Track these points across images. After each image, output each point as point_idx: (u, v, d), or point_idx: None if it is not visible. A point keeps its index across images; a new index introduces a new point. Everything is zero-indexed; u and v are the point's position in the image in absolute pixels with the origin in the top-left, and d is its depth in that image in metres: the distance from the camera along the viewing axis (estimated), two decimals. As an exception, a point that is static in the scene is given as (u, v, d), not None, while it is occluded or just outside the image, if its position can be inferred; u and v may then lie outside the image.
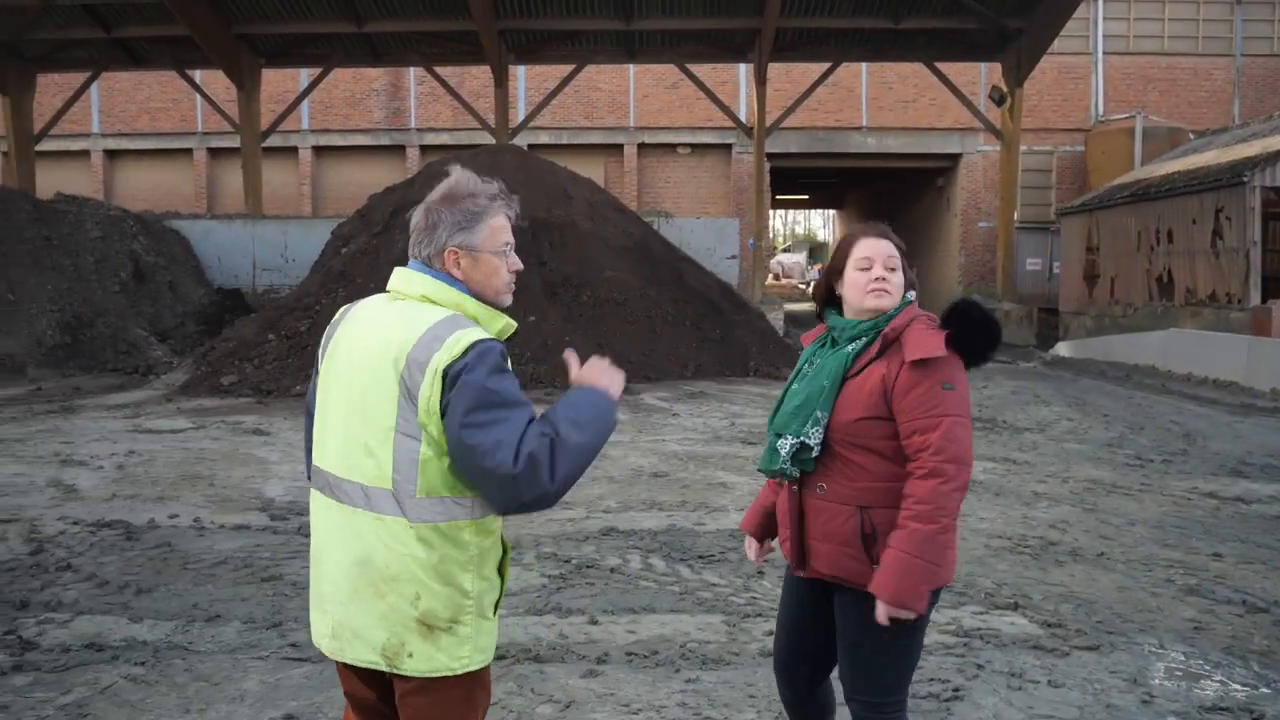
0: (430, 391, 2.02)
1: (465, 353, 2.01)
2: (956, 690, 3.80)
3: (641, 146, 28.81)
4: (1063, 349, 20.15)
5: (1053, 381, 15.21)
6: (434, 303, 2.14)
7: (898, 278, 2.60)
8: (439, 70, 24.04)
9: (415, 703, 2.13)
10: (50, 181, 25.08)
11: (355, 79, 27.94)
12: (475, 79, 26.38)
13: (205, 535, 6.18)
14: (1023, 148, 25.26)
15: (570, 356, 2.30)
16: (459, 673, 2.11)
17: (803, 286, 54.46)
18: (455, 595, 2.09)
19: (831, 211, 54.35)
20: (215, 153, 28.58)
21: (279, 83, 26.89)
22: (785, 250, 66.25)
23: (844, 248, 2.67)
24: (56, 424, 10.67)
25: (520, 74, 27.80)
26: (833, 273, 2.70)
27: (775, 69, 26.48)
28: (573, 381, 2.24)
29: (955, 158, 28.19)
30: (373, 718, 2.25)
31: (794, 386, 2.67)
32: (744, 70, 26.95)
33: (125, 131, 28.64)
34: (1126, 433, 10.11)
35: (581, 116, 28.61)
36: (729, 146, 28.42)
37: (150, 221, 20.71)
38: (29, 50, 22.33)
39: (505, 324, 2.20)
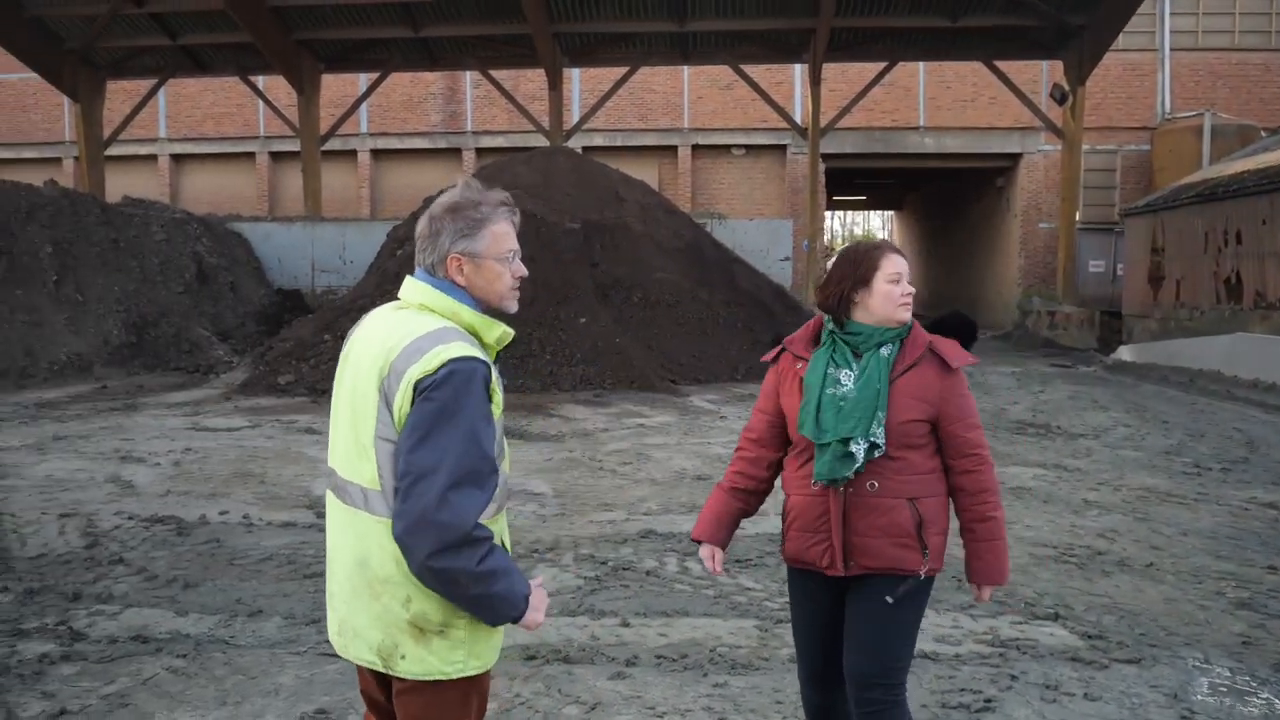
0: (402, 401, 2.04)
1: (438, 369, 2.02)
2: (988, 701, 3.74)
3: (696, 148, 28.77)
4: (1125, 353, 19.67)
5: (1112, 386, 14.86)
6: (431, 311, 2.16)
7: (912, 290, 2.81)
8: (494, 73, 24.27)
9: (409, 702, 2.15)
10: (119, 185, 25.82)
11: (413, 83, 28.32)
12: (531, 82, 26.57)
13: (253, 532, 6.31)
14: (1085, 147, 24.74)
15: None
16: (453, 677, 2.11)
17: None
18: (446, 600, 2.07)
19: (890, 213, 53.70)
20: (277, 156, 29.16)
21: (339, 87, 27.37)
22: (843, 252, 65.70)
23: (869, 261, 2.76)
24: (119, 421, 10.98)
25: (575, 77, 27.95)
26: (859, 283, 2.75)
27: (831, 69, 26.27)
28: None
29: (1015, 157, 27.69)
30: (384, 715, 2.28)
31: (829, 392, 2.70)
32: (799, 70, 26.77)
33: (191, 136, 29.37)
34: (1186, 440, 9.84)
35: (636, 118, 28.66)
36: (784, 147, 28.25)
37: (213, 224, 21.22)
38: (99, 58, 23.02)
39: (503, 332, 2.22)
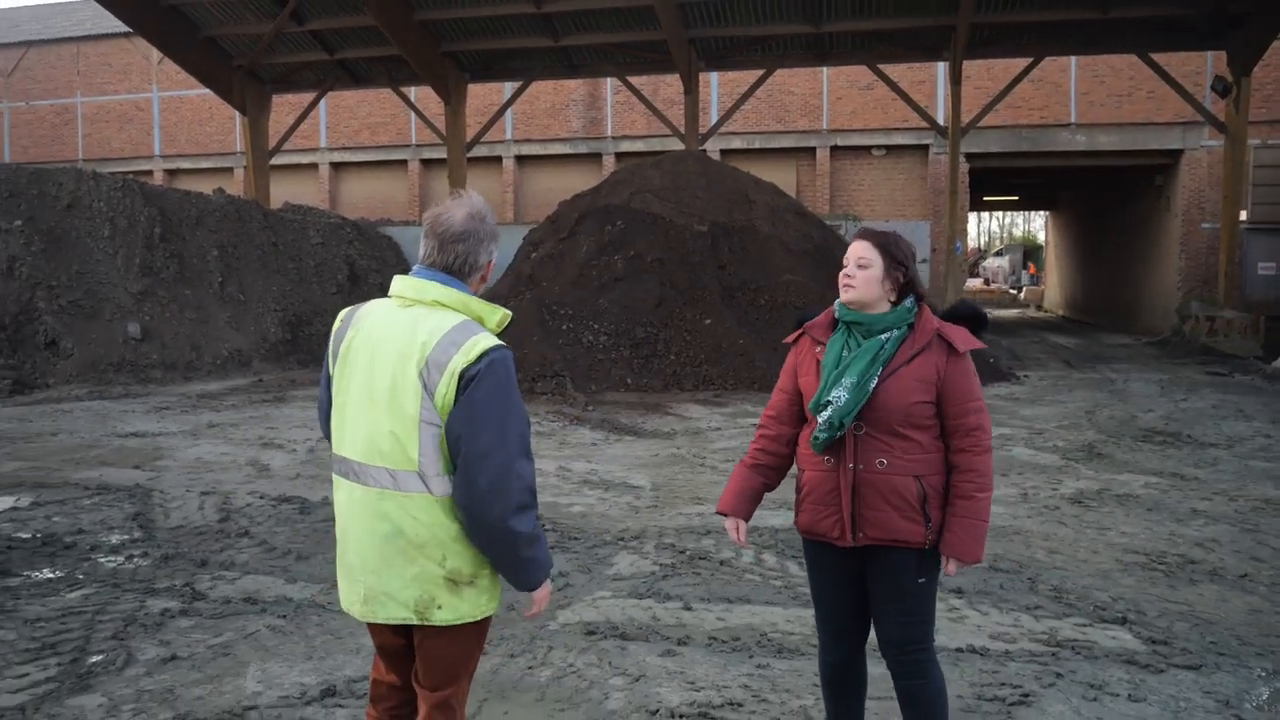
0: (446, 390, 2.34)
1: (479, 359, 2.33)
2: (1025, 695, 3.77)
3: (834, 149, 28.51)
4: (1288, 361, 18.41)
5: (1265, 396, 14.00)
6: (445, 306, 2.45)
7: (866, 274, 2.88)
8: (633, 79, 24.74)
9: (435, 646, 2.48)
10: (283, 192, 27.64)
11: (556, 90, 29.15)
12: (670, 86, 26.94)
13: (366, 512, 6.81)
14: (1254, 141, 23.30)
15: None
16: (477, 619, 2.47)
17: (1013, 292, 52.10)
18: (477, 554, 2.43)
19: (1046, 213, 51.61)
20: (427, 163, 30.55)
21: (487, 96, 28.46)
22: (997, 254, 63.55)
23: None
24: (268, 411, 11.88)
25: (713, 80, 28.17)
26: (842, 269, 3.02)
27: (976, 66, 25.60)
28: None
29: (1176, 154, 26.25)
30: (399, 660, 2.59)
31: (836, 371, 2.89)
32: (942, 68, 26.17)
33: (349, 145, 31.12)
34: (1330, 452, 9.27)
35: (774, 120, 28.64)
36: (925, 148, 27.68)
37: (365, 228, 22.48)
38: (265, 74, 24.71)
39: (504, 314, 2.52)
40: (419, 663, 2.52)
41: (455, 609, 2.43)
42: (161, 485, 7.64)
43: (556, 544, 5.98)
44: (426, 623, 2.44)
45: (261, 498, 7.23)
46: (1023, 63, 22.89)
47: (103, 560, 5.64)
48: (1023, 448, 9.40)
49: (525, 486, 2.35)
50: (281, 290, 18.26)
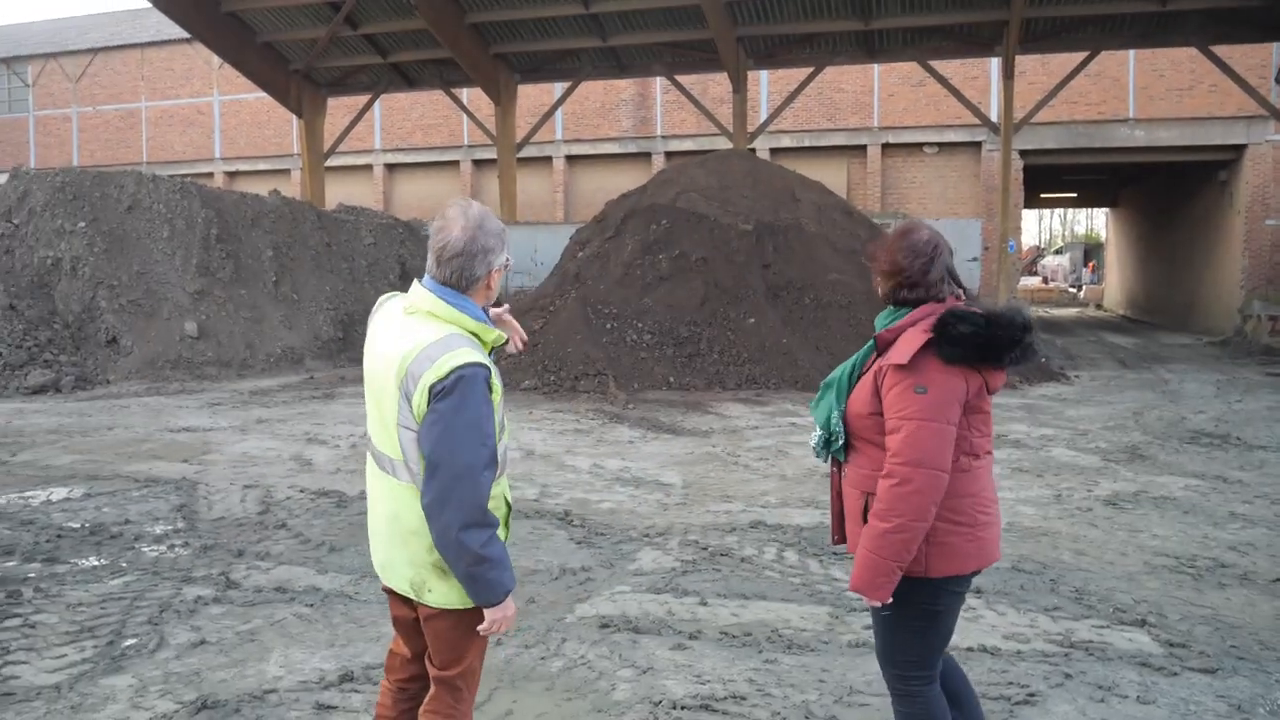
0: (419, 400, 2.46)
1: (448, 375, 2.42)
2: (1031, 695, 3.77)
3: (886, 147, 28.27)
4: (1355, 362, 17.87)
5: (1326, 397, 13.62)
6: (436, 318, 2.55)
7: (876, 276, 2.83)
8: (681, 78, 24.78)
9: (435, 625, 2.60)
10: (338, 193, 28.16)
11: (606, 90, 29.30)
12: (719, 85, 26.93)
13: (400, 506, 6.97)
14: (1321, 136, 22.64)
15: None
16: (470, 606, 2.55)
17: (1073, 290, 51.09)
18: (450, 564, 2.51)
19: (1106, 210, 50.54)
20: (479, 164, 30.92)
21: (537, 96, 28.71)
22: (1056, 252, 62.38)
23: None
24: (315, 408, 12.16)
25: (762, 78, 28.09)
26: None
27: (1031, 61, 25.21)
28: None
29: (1239, 149, 25.59)
30: (409, 633, 2.74)
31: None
32: (995, 64, 25.81)
33: (402, 146, 31.61)
34: (1386, 455, 9.01)
35: (824, 118, 28.48)
36: (978, 144, 27.32)
37: (416, 228, 22.81)
38: (320, 77, 25.22)
39: (497, 335, 2.61)
40: (427, 639, 2.65)
41: (445, 595, 2.54)
42: (207, 479, 7.89)
43: (583, 540, 6.08)
44: (421, 602, 2.57)
45: (301, 491, 7.43)
46: (1079, 57, 22.50)
47: (146, 550, 5.86)
48: (1063, 448, 9.28)
49: (474, 503, 2.40)
50: (334, 289, 18.64)
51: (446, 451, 2.40)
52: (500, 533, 2.62)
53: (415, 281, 2.65)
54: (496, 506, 2.58)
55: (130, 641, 4.36)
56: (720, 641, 4.34)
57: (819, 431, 2.83)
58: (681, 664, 4.09)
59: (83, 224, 15.98)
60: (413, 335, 2.51)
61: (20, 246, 15.94)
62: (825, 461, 2.86)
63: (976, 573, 2.73)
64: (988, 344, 2.61)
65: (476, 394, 2.43)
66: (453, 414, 2.40)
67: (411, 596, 2.59)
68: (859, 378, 2.78)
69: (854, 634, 4.43)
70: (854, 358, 2.83)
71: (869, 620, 4.58)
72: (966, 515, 2.65)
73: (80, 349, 14.86)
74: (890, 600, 2.62)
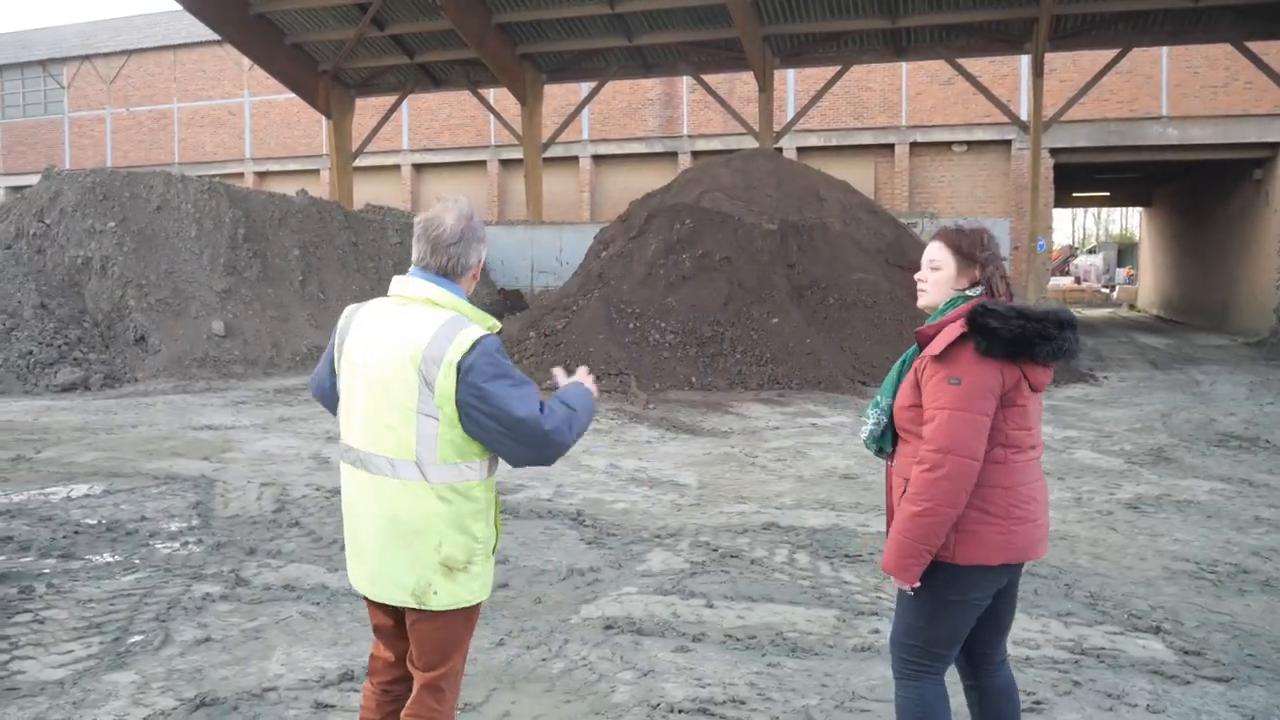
0: (445, 381, 2.46)
1: (471, 349, 2.46)
2: (1038, 702, 3.70)
3: (914, 145, 28.08)
4: (1394, 364, 17.49)
5: (1362, 400, 13.33)
6: (438, 305, 2.56)
7: (937, 277, 2.82)
8: (707, 77, 24.73)
9: (422, 629, 2.59)
10: (366, 193, 28.36)
11: (632, 90, 29.30)
12: (746, 84, 26.85)
13: (414, 505, 6.98)
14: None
15: (559, 372, 2.85)
16: (471, 604, 2.59)
17: (1106, 290, 50.43)
18: (469, 541, 2.56)
19: (1140, 209, 49.85)
20: (506, 163, 31.02)
21: (564, 96, 28.75)
22: (1089, 251, 61.66)
23: None
24: (337, 406, 12.21)
25: (789, 77, 27.97)
26: None
27: (1062, 58, 24.92)
28: (562, 387, 2.76)
29: (1275, 146, 25.13)
30: (391, 639, 2.72)
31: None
32: (1025, 61, 25.53)
33: (429, 146, 31.78)
34: None
35: (851, 117, 28.31)
36: (1008, 143, 27.06)
37: (442, 228, 22.90)
38: (348, 78, 25.42)
39: (493, 323, 2.61)
40: (412, 644, 2.64)
41: (451, 594, 2.54)
42: (225, 476, 7.94)
43: (594, 540, 6.06)
44: (425, 607, 2.55)
45: (317, 489, 7.47)
46: (1110, 54, 22.23)
47: (159, 546, 5.90)
48: (1087, 450, 9.14)
49: (561, 419, 2.55)
50: (361, 289, 18.75)
51: (520, 404, 2.47)
52: (496, 533, 2.65)
53: (400, 277, 2.65)
54: (495, 501, 2.67)
55: (136, 638, 4.38)
56: (724, 644, 4.30)
57: (870, 424, 2.89)
58: (683, 666, 4.05)
59: (112, 224, 16.18)
60: (419, 322, 2.53)
61: (51, 246, 16.17)
62: (876, 454, 2.92)
63: (1006, 569, 2.72)
64: (1018, 337, 2.62)
65: (502, 352, 2.52)
66: (498, 378, 2.47)
67: (412, 605, 2.56)
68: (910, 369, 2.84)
69: (860, 638, 4.37)
70: (906, 353, 2.89)
71: (876, 624, 4.54)
72: (998, 507, 2.66)
73: (109, 347, 15.05)
74: (918, 584, 2.68)
